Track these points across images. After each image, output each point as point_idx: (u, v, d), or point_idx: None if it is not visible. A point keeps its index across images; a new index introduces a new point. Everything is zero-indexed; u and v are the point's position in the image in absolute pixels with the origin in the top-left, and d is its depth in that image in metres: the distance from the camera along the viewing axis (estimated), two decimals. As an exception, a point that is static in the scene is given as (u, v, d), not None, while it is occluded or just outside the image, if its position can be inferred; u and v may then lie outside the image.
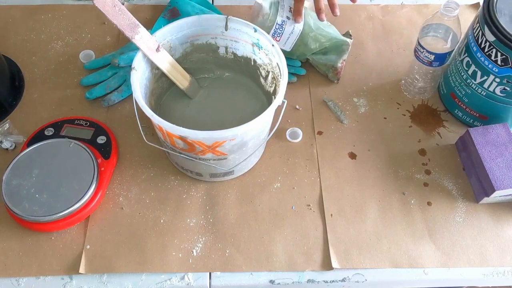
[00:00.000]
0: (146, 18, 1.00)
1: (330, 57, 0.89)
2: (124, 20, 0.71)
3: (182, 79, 0.81)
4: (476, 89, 0.80)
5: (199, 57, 0.84)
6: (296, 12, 0.84)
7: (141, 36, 0.72)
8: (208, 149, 0.69)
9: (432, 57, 0.81)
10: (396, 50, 0.98)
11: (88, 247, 0.73)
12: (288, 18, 0.84)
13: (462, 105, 0.85)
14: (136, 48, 0.83)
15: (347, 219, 0.77)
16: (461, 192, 0.81)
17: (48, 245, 0.73)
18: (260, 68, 0.81)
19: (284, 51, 0.83)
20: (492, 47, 0.73)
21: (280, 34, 0.84)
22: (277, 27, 0.83)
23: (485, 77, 0.77)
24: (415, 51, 0.84)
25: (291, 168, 0.82)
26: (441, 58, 0.81)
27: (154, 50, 0.74)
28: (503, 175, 0.75)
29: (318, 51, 0.89)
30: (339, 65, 0.89)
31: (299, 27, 0.85)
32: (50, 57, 0.94)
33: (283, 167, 0.82)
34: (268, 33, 0.80)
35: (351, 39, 0.89)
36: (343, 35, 0.90)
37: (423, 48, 0.81)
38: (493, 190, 0.74)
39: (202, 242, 0.74)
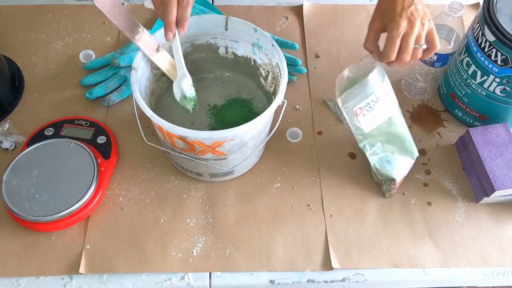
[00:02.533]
0: (146, 18, 1.00)
1: (393, 169, 0.77)
2: (124, 20, 0.71)
3: None
4: (476, 89, 0.80)
5: (199, 57, 0.84)
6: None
7: (141, 36, 0.72)
8: (208, 149, 0.69)
9: (435, 57, 0.81)
10: (396, 50, 0.98)
11: (88, 247, 0.73)
12: (387, 96, 0.73)
13: (462, 105, 0.85)
14: (136, 48, 0.83)
15: (347, 219, 0.77)
16: (461, 192, 0.81)
17: (48, 245, 0.73)
18: (260, 68, 0.81)
19: (360, 132, 0.75)
20: (492, 47, 0.73)
21: (370, 109, 0.72)
22: (373, 99, 0.71)
23: (485, 77, 0.77)
24: (416, 51, 0.84)
25: (291, 168, 0.82)
26: (443, 58, 0.81)
27: (154, 50, 0.74)
28: (503, 175, 0.75)
29: (383, 159, 0.77)
30: (399, 180, 0.77)
31: (389, 113, 0.74)
32: (50, 57, 0.94)
33: (283, 167, 0.82)
34: (361, 101, 0.71)
35: (417, 152, 0.79)
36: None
37: None
38: (493, 190, 0.74)
39: (202, 242, 0.74)
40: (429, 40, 0.69)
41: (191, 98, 0.78)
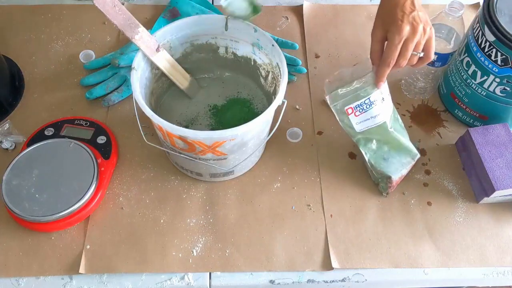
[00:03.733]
0: (146, 18, 1.00)
1: (389, 166, 0.77)
2: (124, 20, 0.71)
3: (182, 79, 0.81)
4: (476, 89, 0.80)
5: (199, 57, 0.84)
6: (379, 76, 0.70)
7: (141, 36, 0.72)
8: (208, 149, 0.69)
9: (435, 57, 0.81)
10: (396, 50, 0.98)
11: (88, 247, 0.73)
12: (383, 100, 0.73)
13: (462, 105, 0.85)
14: (136, 48, 0.83)
15: (347, 219, 0.77)
16: (461, 192, 0.81)
17: (48, 245, 0.73)
18: (260, 68, 0.81)
19: (351, 130, 0.76)
20: (492, 47, 0.73)
21: (363, 111, 0.72)
22: (366, 101, 0.71)
23: (485, 77, 0.77)
24: (417, 51, 0.84)
25: (291, 168, 0.82)
26: (443, 58, 0.81)
27: (154, 50, 0.74)
28: (503, 175, 0.75)
29: (379, 154, 0.78)
30: (396, 178, 0.77)
31: (383, 117, 0.73)
32: (50, 57, 0.94)
33: (283, 167, 0.82)
34: (352, 102, 0.72)
35: (418, 153, 0.79)
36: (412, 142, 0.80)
37: None
38: (493, 190, 0.74)
39: (202, 242, 0.74)
40: (426, 49, 0.68)
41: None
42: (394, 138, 0.76)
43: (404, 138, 0.78)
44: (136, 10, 1.01)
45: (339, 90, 0.73)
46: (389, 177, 0.76)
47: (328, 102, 0.74)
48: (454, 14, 0.76)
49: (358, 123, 0.74)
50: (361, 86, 0.72)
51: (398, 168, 0.77)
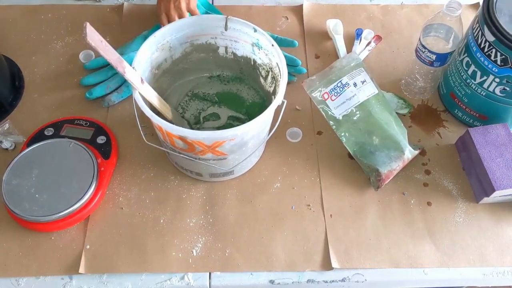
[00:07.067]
0: (146, 18, 1.00)
1: (376, 159, 0.78)
2: (113, 54, 0.65)
3: (166, 109, 0.77)
4: (476, 89, 0.80)
5: (199, 57, 0.84)
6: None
7: (128, 70, 0.67)
8: (208, 149, 0.69)
9: (434, 57, 0.81)
10: (396, 50, 0.98)
11: (88, 247, 0.73)
12: (355, 85, 0.79)
13: (462, 105, 0.85)
14: (136, 48, 0.83)
15: (347, 219, 0.77)
16: (461, 192, 0.81)
17: (48, 245, 0.73)
18: (260, 68, 0.82)
19: (336, 119, 0.79)
20: (491, 47, 0.73)
21: (337, 95, 0.78)
22: (339, 84, 0.78)
23: (485, 77, 0.77)
24: (416, 51, 0.84)
25: (291, 168, 0.82)
26: (442, 58, 0.81)
27: (140, 82, 0.69)
28: (503, 175, 0.75)
29: (366, 147, 0.79)
30: (385, 172, 0.78)
31: (358, 98, 0.79)
32: (50, 57, 0.94)
33: (283, 167, 0.82)
34: (326, 86, 0.78)
35: (416, 150, 0.81)
36: (414, 144, 0.83)
37: (425, 48, 0.81)
38: (493, 190, 0.74)
39: (202, 242, 0.74)
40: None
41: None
42: (379, 124, 0.78)
43: (393, 130, 0.79)
44: (136, 10, 1.01)
45: (313, 76, 0.79)
46: (377, 170, 0.77)
47: (305, 88, 0.79)
48: (451, 13, 0.76)
49: (336, 107, 0.79)
50: (330, 72, 0.79)
51: (386, 161, 0.78)
